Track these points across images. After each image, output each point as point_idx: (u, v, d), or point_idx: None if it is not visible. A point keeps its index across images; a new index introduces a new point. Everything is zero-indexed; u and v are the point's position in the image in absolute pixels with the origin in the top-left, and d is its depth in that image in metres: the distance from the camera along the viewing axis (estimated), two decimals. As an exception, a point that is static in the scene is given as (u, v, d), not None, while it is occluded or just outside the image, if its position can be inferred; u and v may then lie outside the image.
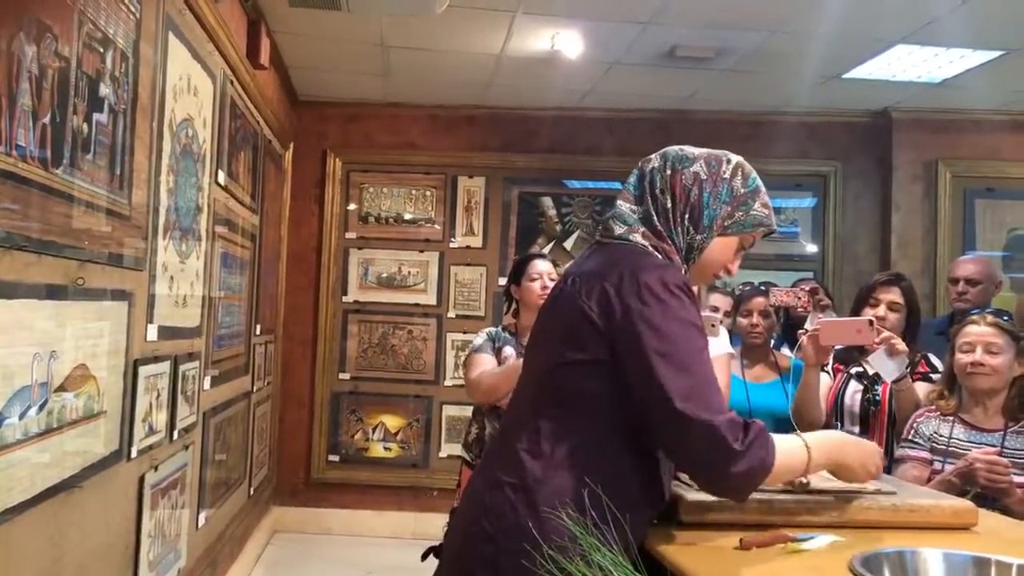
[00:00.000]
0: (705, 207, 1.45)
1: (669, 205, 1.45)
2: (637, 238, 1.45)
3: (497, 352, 2.85)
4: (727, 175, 1.47)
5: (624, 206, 1.49)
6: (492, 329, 2.97)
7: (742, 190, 1.47)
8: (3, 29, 1.57)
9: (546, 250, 5.17)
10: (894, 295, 2.80)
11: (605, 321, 1.35)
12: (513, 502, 1.33)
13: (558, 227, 5.30)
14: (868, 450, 1.56)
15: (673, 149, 1.51)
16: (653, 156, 1.51)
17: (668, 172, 1.47)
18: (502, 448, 1.43)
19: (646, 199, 1.47)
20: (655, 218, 1.45)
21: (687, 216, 1.45)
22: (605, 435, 1.35)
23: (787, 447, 1.38)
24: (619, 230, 1.47)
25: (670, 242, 1.45)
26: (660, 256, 1.43)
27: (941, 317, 4.08)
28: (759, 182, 1.50)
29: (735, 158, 1.50)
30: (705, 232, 1.45)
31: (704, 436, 1.27)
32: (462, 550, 1.41)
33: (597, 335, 1.35)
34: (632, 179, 1.52)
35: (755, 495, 1.38)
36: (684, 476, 1.53)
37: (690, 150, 1.50)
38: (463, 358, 2.99)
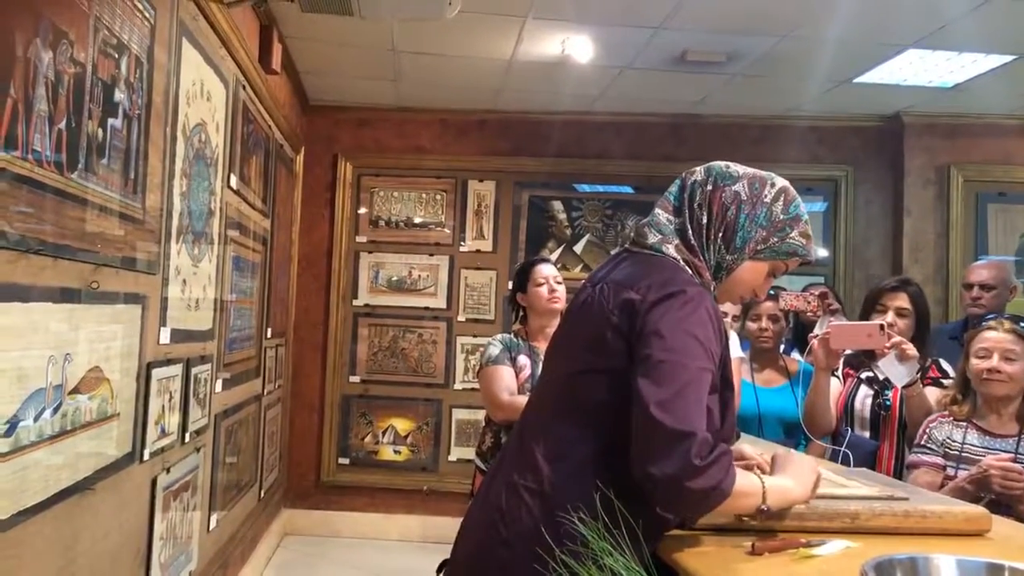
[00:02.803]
0: (740, 228, 1.42)
1: (704, 221, 1.43)
2: (670, 250, 1.43)
3: (512, 362, 2.82)
4: (768, 199, 1.44)
5: (662, 215, 1.47)
6: (505, 336, 2.93)
7: (781, 216, 1.44)
8: (20, 35, 1.58)
9: (556, 254, 5.18)
10: (901, 301, 2.78)
11: (628, 332, 1.34)
12: (530, 506, 1.32)
13: (568, 231, 5.30)
14: (800, 469, 1.45)
15: (719, 164, 1.48)
16: (698, 169, 1.49)
17: (709, 187, 1.44)
18: (519, 451, 1.42)
19: (684, 211, 1.45)
20: (690, 232, 1.43)
21: (720, 235, 1.43)
22: (625, 443, 1.33)
23: (746, 481, 1.32)
24: (653, 239, 1.45)
25: (702, 258, 1.43)
26: (690, 271, 1.41)
27: (955, 322, 4.06)
28: (801, 210, 1.46)
29: (780, 182, 1.47)
30: (736, 253, 1.43)
31: (668, 445, 1.22)
32: (476, 554, 1.40)
33: (621, 346, 1.34)
34: (673, 189, 1.49)
35: None
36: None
37: (736, 168, 1.47)
38: (478, 367, 2.94)
